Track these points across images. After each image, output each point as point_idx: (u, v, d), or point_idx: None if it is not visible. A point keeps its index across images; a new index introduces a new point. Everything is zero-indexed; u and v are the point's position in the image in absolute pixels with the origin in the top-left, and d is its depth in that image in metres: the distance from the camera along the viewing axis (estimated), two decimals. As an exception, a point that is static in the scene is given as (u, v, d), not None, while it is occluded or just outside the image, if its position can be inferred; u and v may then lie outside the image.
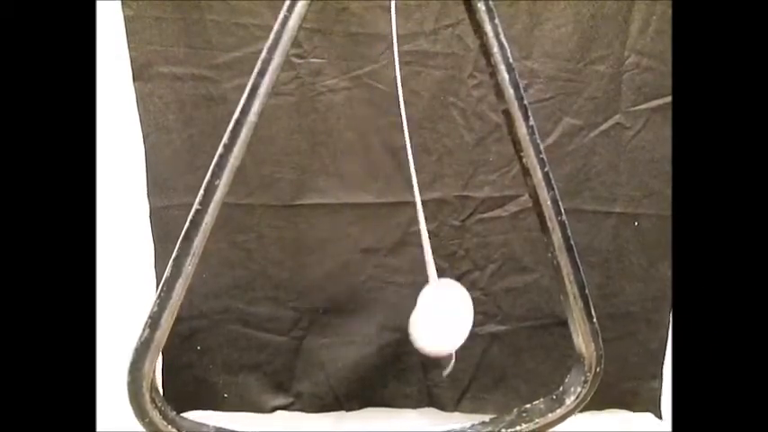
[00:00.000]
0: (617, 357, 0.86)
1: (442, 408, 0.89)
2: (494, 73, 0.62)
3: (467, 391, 0.89)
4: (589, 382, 0.70)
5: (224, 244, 0.81)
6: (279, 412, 0.87)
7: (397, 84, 0.62)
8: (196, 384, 0.85)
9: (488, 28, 0.60)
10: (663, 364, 0.90)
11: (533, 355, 0.89)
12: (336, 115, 0.78)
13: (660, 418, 0.91)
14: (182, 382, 0.85)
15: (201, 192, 0.58)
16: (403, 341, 0.87)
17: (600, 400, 0.73)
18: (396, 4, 0.62)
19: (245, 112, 0.58)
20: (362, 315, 0.86)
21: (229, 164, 0.58)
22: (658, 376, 0.90)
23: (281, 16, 0.57)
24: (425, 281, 0.85)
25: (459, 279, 0.86)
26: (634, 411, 0.91)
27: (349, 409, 0.88)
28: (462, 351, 0.87)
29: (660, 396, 0.90)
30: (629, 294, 0.87)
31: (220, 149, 0.58)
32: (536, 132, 0.63)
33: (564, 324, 0.71)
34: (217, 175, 0.58)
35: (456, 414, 0.89)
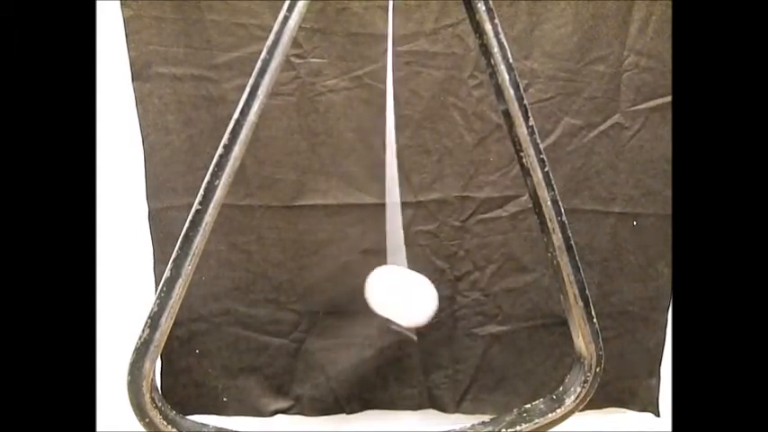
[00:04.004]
0: (615, 356, 0.86)
1: (443, 409, 0.89)
2: (494, 73, 0.62)
3: (467, 392, 0.89)
4: (589, 383, 0.70)
5: (224, 245, 0.81)
6: (279, 416, 0.87)
7: (388, 83, 0.62)
8: (195, 388, 0.85)
9: (488, 28, 0.60)
10: (661, 362, 0.90)
11: (534, 355, 0.89)
12: (336, 115, 0.78)
13: (658, 416, 0.91)
14: (181, 386, 0.84)
15: (201, 192, 0.58)
16: (403, 343, 0.87)
17: (598, 398, 0.73)
18: (395, 3, 0.62)
19: (245, 112, 0.57)
20: (363, 317, 0.85)
21: (229, 164, 0.58)
22: (656, 375, 0.90)
23: (280, 16, 0.57)
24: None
25: (459, 280, 0.86)
26: (632, 410, 0.91)
27: (350, 412, 0.87)
28: (463, 352, 0.88)
29: (658, 394, 0.90)
30: (628, 293, 0.87)
31: (220, 150, 0.57)
32: (536, 132, 0.63)
33: (564, 324, 0.71)
34: (217, 175, 0.58)
35: (457, 415, 0.89)
